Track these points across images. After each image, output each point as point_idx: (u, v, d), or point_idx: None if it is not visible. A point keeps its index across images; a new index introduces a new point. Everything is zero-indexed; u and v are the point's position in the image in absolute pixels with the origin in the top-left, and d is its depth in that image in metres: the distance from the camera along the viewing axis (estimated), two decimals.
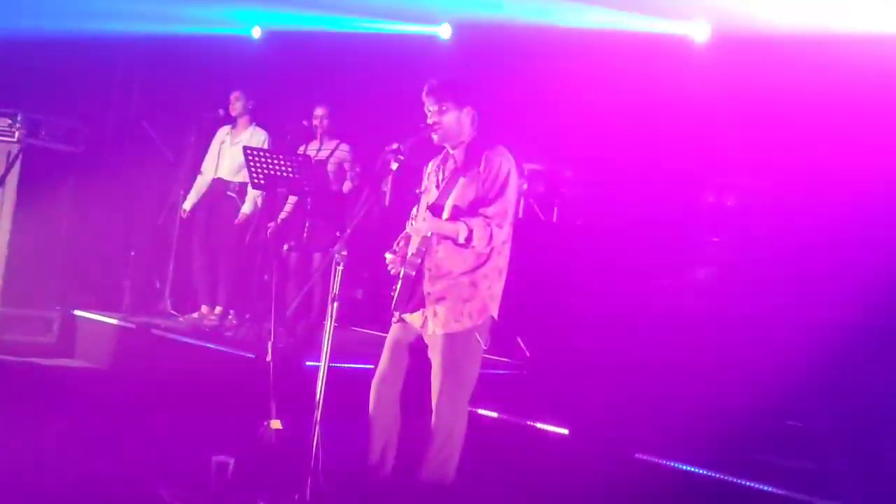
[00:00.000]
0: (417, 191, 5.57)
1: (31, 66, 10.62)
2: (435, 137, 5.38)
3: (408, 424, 5.49)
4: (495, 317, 5.38)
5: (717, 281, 8.27)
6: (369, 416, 5.45)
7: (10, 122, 9.15)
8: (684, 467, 5.89)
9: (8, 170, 9.06)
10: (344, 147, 8.99)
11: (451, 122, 5.35)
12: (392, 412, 5.44)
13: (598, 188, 9.92)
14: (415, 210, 5.59)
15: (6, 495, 5.06)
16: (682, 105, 8.98)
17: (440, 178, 5.47)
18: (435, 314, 5.31)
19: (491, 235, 5.22)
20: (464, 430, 5.38)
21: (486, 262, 5.32)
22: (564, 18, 9.50)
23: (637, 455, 6.07)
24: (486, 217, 5.21)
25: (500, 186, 5.30)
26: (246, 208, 9.10)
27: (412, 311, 5.38)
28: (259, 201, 9.09)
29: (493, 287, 5.37)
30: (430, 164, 5.58)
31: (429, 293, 5.30)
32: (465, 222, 5.17)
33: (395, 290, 5.40)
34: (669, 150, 9.11)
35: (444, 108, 5.33)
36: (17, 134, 9.09)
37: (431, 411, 5.34)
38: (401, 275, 5.34)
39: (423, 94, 5.38)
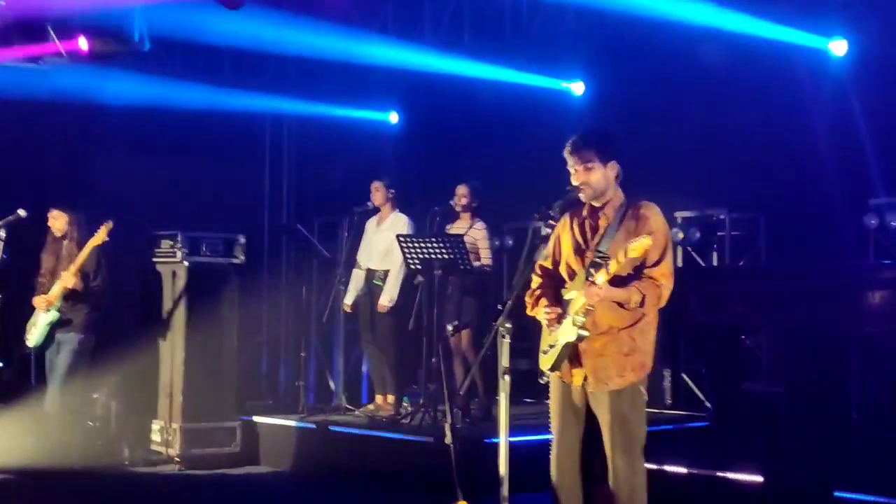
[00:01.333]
0: (544, 250, 5.43)
1: (187, 186, 11.03)
2: (583, 197, 5.33)
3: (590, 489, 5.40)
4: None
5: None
6: (552, 486, 5.37)
7: (171, 243, 9.44)
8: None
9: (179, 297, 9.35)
10: (478, 226, 9.03)
11: (599, 178, 5.28)
12: (573, 478, 5.35)
13: (755, 226, 9.75)
14: (564, 271, 5.43)
15: None
16: (832, 127, 8.83)
17: (586, 234, 5.37)
18: (596, 371, 5.24)
19: (660, 297, 5.15)
20: (644, 486, 5.26)
21: (643, 316, 5.24)
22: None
23: (836, 493, 5.87)
24: (654, 279, 5.13)
25: (663, 244, 5.23)
26: (383, 299, 9.16)
27: (569, 370, 5.30)
28: (395, 290, 9.15)
29: (650, 342, 5.31)
30: (565, 219, 5.43)
31: (587, 350, 5.22)
32: (637, 288, 5.08)
33: (547, 350, 5.32)
34: (826, 174, 8.92)
35: (588, 165, 5.27)
36: (178, 254, 9.36)
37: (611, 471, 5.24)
38: (557, 336, 5.25)
39: (566, 152, 5.31)
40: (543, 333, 5.41)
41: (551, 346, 5.29)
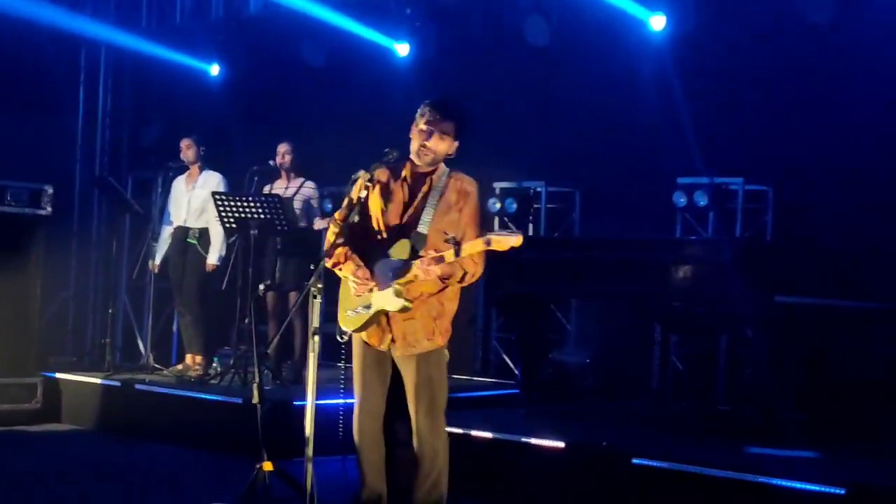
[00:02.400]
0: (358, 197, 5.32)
1: None
2: (419, 160, 5.27)
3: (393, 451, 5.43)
4: None
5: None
6: (355, 447, 5.37)
7: None
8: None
9: None
10: (310, 184, 8.97)
11: (443, 150, 5.25)
12: (376, 439, 5.36)
13: (570, 200, 9.95)
14: (377, 227, 5.37)
15: None
16: (649, 105, 9.06)
17: (405, 196, 5.35)
18: (405, 334, 5.25)
19: (476, 273, 5.22)
20: (447, 448, 5.32)
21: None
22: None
23: (635, 461, 6.05)
24: (472, 255, 5.16)
25: (480, 220, 5.29)
26: (211, 258, 9.04)
27: (376, 332, 5.29)
28: (223, 247, 9.04)
29: (455, 306, 5.37)
30: (378, 177, 5.32)
31: (396, 314, 5.22)
32: (461, 265, 5.12)
33: (356, 311, 5.29)
34: (642, 152, 9.17)
35: (443, 136, 5.24)
36: None
37: (412, 433, 5.28)
38: (370, 299, 5.23)
39: (428, 111, 5.23)
40: (345, 293, 5.35)
41: (365, 308, 5.25)
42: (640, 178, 9.18)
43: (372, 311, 5.22)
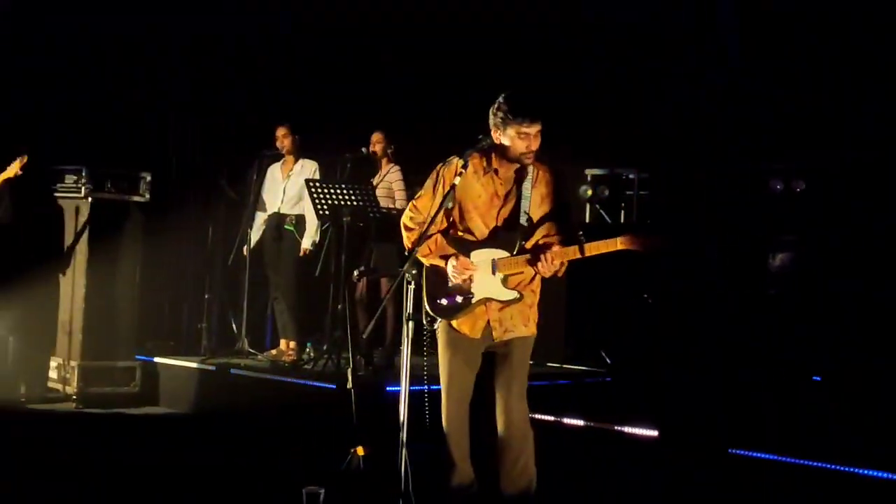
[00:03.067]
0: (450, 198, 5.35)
1: (91, 121, 10.80)
2: (527, 162, 5.27)
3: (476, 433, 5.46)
4: None
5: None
6: (444, 434, 5.41)
7: (75, 178, 9.24)
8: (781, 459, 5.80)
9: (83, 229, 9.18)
10: (394, 168, 9.05)
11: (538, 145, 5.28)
12: (464, 423, 5.40)
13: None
14: (473, 220, 5.40)
15: None
16: None
17: (495, 188, 5.35)
18: (502, 321, 5.28)
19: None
20: (532, 432, 5.35)
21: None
22: None
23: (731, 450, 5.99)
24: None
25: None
26: (306, 243, 9.14)
27: (469, 320, 5.32)
28: (317, 234, 9.13)
29: (539, 296, 5.41)
30: (474, 165, 5.31)
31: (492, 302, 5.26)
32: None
33: (453, 300, 5.31)
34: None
35: (539, 134, 5.20)
36: (83, 189, 9.18)
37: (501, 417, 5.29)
38: (471, 288, 5.26)
39: (531, 116, 5.16)
40: (432, 281, 5.37)
41: (463, 296, 5.28)
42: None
43: (475, 300, 5.25)
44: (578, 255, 5.04)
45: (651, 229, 5.38)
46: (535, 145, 5.23)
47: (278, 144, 9.35)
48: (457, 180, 5.21)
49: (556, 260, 5.07)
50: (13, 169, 8.32)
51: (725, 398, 7.20)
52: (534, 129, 5.19)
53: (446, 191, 5.24)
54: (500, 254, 5.22)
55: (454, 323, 5.34)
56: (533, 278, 5.31)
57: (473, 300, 5.26)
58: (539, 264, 5.10)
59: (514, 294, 5.21)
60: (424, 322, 5.43)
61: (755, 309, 8.25)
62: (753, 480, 5.97)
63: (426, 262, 5.38)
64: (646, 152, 9.69)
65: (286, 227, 9.27)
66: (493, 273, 5.21)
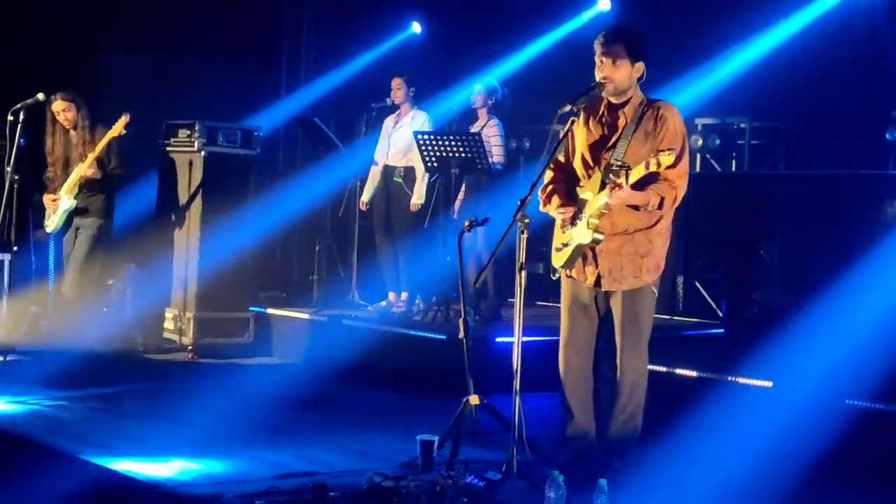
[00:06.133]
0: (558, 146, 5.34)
1: (201, 75, 11.00)
2: (605, 92, 5.28)
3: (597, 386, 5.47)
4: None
5: None
6: (561, 382, 5.43)
7: (188, 132, 9.39)
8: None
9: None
10: (493, 121, 9.00)
11: (624, 76, 5.23)
12: (582, 374, 5.41)
13: (775, 135, 9.69)
14: (579, 167, 5.39)
15: None
16: (857, 39, 8.71)
17: (604, 131, 5.33)
18: (612, 270, 5.24)
19: (675, 198, 5.15)
20: (645, 383, 5.35)
21: (660, 219, 5.25)
22: None
23: (847, 401, 5.90)
24: (670, 180, 5.11)
25: (682, 141, 5.20)
26: (416, 198, 9.15)
27: (583, 268, 5.30)
28: (424, 187, 9.13)
29: (666, 244, 5.35)
30: (580, 116, 5.34)
31: (603, 250, 5.22)
32: (655, 191, 5.05)
33: (560, 248, 5.32)
34: (849, 86, 8.82)
35: (617, 61, 5.21)
36: (196, 143, 9.32)
37: (615, 367, 5.29)
38: (571, 235, 5.25)
39: (597, 42, 5.25)
40: (556, 231, 5.42)
41: (565, 245, 5.30)
42: (848, 113, 8.85)
43: (571, 246, 5.25)
44: (626, 184, 4.89)
45: None
46: (605, 72, 5.19)
47: (392, 96, 9.37)
48: (567, 127, 5.22)
49: (612, 189, 4.94)
50: (118, 128, 8.47)
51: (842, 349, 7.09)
52: (599, 53, 5.18)
53: (559, 141, 5.26)
54: (589, 195, 5.20)
55: (572, 272, 5.35)
56: (653, 225, 5.24)
57: (570, 247, 5.26)
58: (607, 191, 4.99)
59: (591, 235, 5.11)
60: (551, 274, 5.46)
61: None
62: (869, 431, 5.88)
63: (545, 210, 5.41)
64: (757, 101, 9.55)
65: (395, 178, 9.31)
66: (584, 216, 5.19)
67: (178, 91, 11.59)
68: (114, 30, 11.36)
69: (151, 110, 9.91)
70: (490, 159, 8.74)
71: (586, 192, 5.25)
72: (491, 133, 8.96)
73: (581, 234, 5.20)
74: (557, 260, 5.37)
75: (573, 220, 5.26)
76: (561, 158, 5.45)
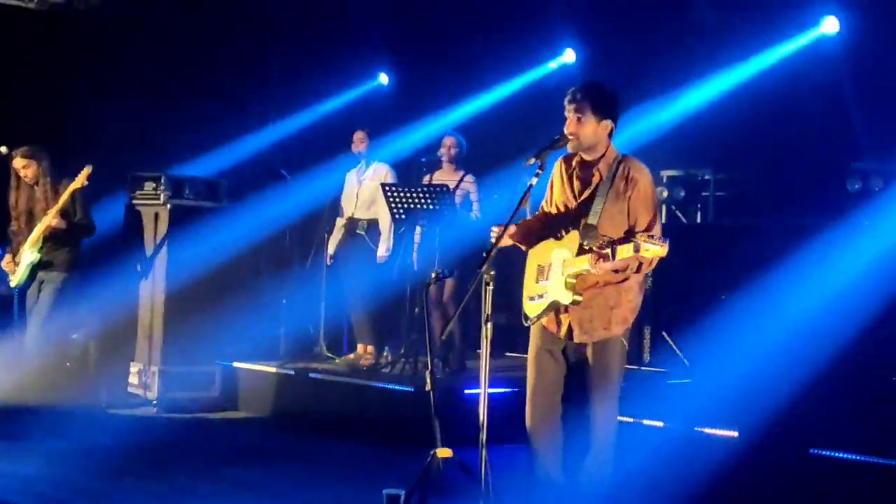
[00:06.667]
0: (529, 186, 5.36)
1: (167, 125, 10.99)
2: (569, 147, 5.33)
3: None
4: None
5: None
6: (528, 432, 5.41)
7: (154, 184, 9.38)
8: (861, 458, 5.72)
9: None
10: (469, 178, 9.02)
11: (588, 133, 5.25)
12: (548, 422, 5.39)
13: (741, 187, 9.78)
14: (554, 216, 5.43)
15: None
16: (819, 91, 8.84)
17: (574, 186, 5.37)
18: (581, 322, 5.26)
19: (652, 261, 5.14)
20: (615, 434, 5.34)
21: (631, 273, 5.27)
22: None
23: (812, 451, 5.92)
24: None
25: (653, 206, 5.26)
26: (382, 250, 9.13)
27: (554, 319, 5.32)
28: (391, 238, 9.13)
29: (635, 299, 5.35)
30: (560, 164, 5.43)
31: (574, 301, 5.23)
32: (636, 258, 5.02)
33: (534, 298, 5.34)
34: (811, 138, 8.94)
35: (581, 117, 5.25)
36: (162, 196, 9.30)
37: (586, 417, 5.29)
38: (546, 289, 5.27)
39: (566, 100, 5.29)
40: (528, 280, 5.42)
41: (540, 296, 5.31)
42: (810, 164, 8.95)
43: (547, 300, 5.27)
44: (612, 259, 4.94)
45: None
46: (571, 128, 5.24)
47: (354, 148, 9.37)
48: (533, 180, 5.24)
49: (598, 259, 4.97)
50: (80, 179, 8.44)
51: (805, 398, 7.12)
52: (566, 108, 5.23)
53: (525, 192, 5.28)
54: (566, 254, 5.22)
55: (543, 321, 5.36)
56: (622, 280, 5.26)
57: (545, 301, 5.27)
58: (584, 260, 5.02)
59: (571, 297, 5.13)
60: (523, 320, 5.46)
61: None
62: (834, 481, 5.89)
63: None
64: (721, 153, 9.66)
65: (358, 231, 9.28)
66: (561, 274, 5.21)
67: (145, 136, 11.53)
68: (81, 74, 11.30)
69: (118, 155, 9.89)
70: (471, 214, 8.83)
71: (563, 249, 5.24)
72: (471, 189, 8.99)
73: (558, 292, 5.21)
74: (531, 310, 5.38)
75: (547, 273, 5.28)
76: (547, 207, 5.50)
